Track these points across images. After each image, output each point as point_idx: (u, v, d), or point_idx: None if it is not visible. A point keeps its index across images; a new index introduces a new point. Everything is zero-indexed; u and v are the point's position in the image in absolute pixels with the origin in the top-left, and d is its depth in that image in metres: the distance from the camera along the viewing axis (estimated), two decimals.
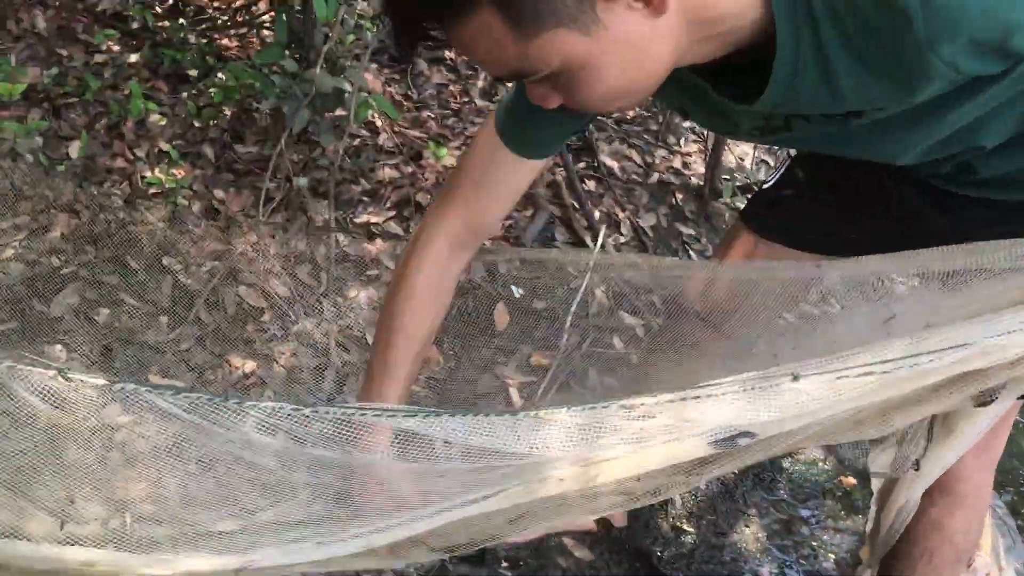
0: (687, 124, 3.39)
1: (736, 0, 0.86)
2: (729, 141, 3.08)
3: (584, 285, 2.60)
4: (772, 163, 3.27)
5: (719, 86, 0.98)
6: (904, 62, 0.84)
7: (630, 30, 0.84)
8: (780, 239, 1.44)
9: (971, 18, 0.79)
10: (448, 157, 2.75)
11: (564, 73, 0.87)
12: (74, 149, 2.50)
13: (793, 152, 1.51)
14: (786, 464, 2.40)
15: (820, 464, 2.42)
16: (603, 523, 2.03)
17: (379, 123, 2.86)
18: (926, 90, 0.88)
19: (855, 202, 1.36)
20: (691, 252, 2.89)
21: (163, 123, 2.56)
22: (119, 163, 2.53)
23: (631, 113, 3.28)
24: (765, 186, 1.51)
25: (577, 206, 2.81)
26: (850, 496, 2.38)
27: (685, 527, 2.13)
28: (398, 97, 3.04)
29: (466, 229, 1.22)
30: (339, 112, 2.48)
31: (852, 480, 2.43)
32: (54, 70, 2.66)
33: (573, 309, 2.53)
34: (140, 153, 2.53)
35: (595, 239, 2.73)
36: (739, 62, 0.93)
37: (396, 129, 2.86)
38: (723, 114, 1.03)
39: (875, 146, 1.07)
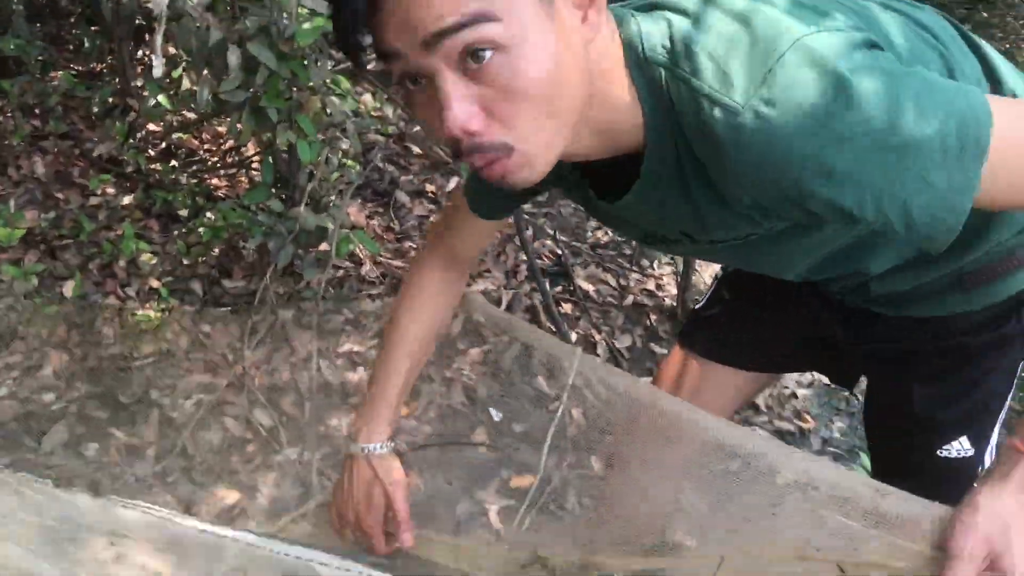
0: None
1: (622, 96, 0.88)
2: (698, 263, 3.20)
3: (561, 408, 2.68)
4: None
5: (596, 184, 1.02)
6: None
7: (573, 31, 0.83)
8: (705, 355, 1.53)
9: (773, 163, 0.80)
10: None
11: (503, 49, 0.78)
12: (68, 289, 2.60)
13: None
14: None
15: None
16: None
17: (362, 254, 2.99)
18: (766, 220, 0.92)
19: (770, 317, 1.43)
20: None
21: (153, 261, 2.68)
22: (111, 300, 2.63)
23: (604, 238, 3.42)
24: (697, 305, 1.60)
25: (554, 329, 2.90)
26: None
27: None
28: (380, 231, 3.18)
29: (451, 259, 1.36)
30: (323, 247, 2.60)
31: None
32: (51, 214, 2.80)
33: (551, 432, 2.60)
34: (131, 291, 2.64)
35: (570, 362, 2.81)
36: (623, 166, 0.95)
37: (378, 260, 2.98)
38: (615, 216, 1.05)
39: (757, 260, 1.12)
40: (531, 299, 3.02)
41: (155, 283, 2.69)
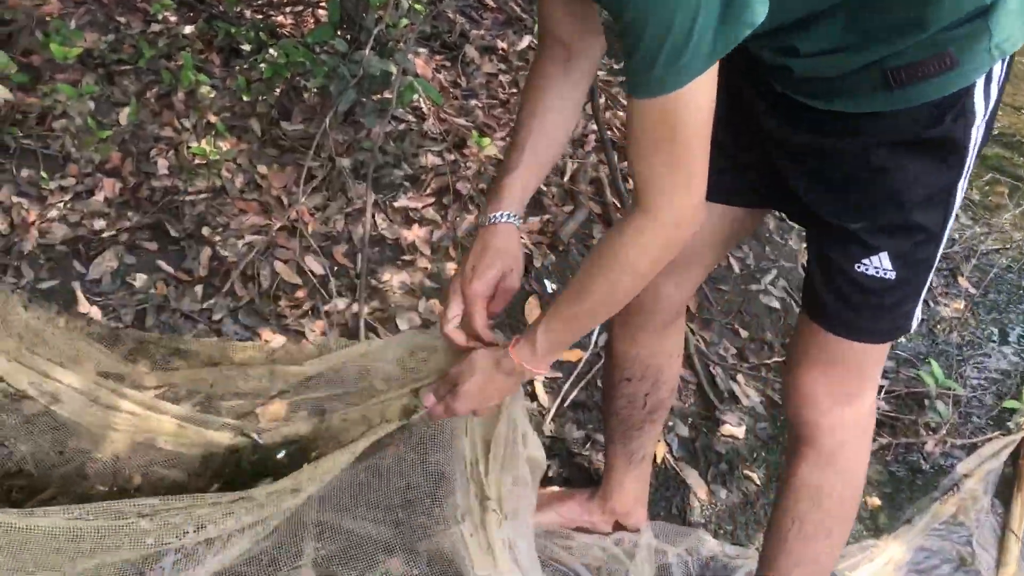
0: None
1: None
2: None
3: None
4: None
5: None
6: None
7: None
8: None
9: None
10: (491, 147, 2.74)
11: None
12: (124, 116, 2.53)
13: None
14: None
15: None
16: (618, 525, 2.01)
17: (426, 109, 2.86)
18: None
19: (731, 142, 1.45)
20: (731, 258, 2.85)
21: (212, 95, 2.59)
22: (167, 132, 2.56)
23: None
24: None
25: (618, 204, 2.78)
26: (875, 518, 2.34)
27: (701, 536, 2.10)
28: (447, 84, 3.04)
29: (560, 48, 1.39)
30: (386, 95, 2.48)
31: (877, 501, 2.38)
32: (111, 36, 2.70)
33: None
34: (188, 123, 2.56)
35: None
36: None
37: (442, 116, 2.86)
38: None
39: None
40: (597, 172, 2.89)
41: (213, 118, 2.60)
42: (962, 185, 1.34)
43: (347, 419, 1.72)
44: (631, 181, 1.23)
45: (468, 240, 2.59)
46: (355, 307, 2.31)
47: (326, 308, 2.32)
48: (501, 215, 1.41)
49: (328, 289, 2.34)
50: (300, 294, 2.33)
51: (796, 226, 2.75)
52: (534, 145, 1.41)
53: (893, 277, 1.37)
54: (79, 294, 2.16)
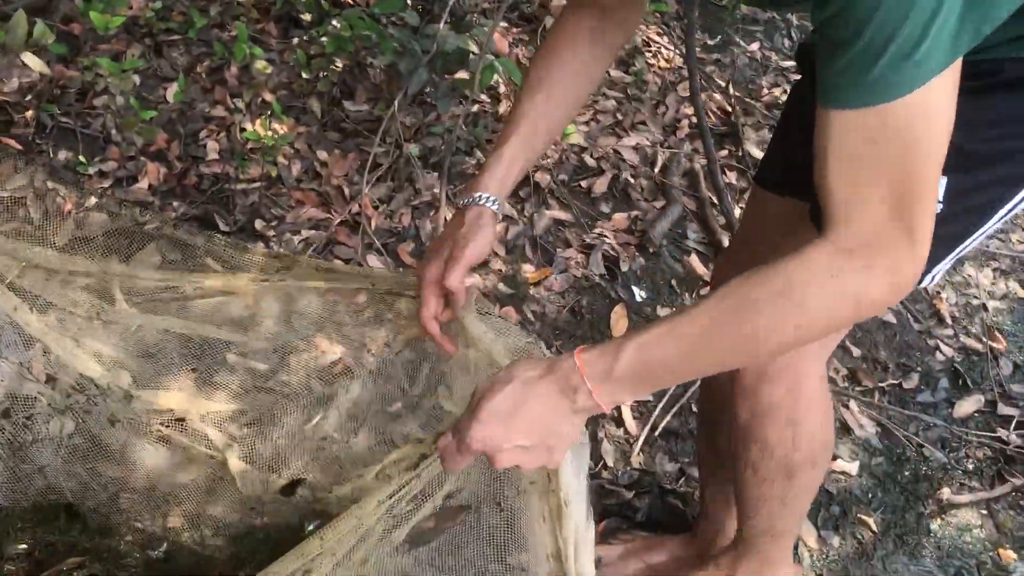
0: None
1: None
2: None
3: None
4: None
5: None
6: None
7: None
8: (764, 185, 1.42)
9: None
10: (575, 135, 2.45)
11: None
12: (171, 92, 2.28)
13: None
14: (935, 526, 2.07)
15: (975, 531, 2.07)
16: None
17: (502, 89, 2.58)
18: None
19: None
20: None
21: (268, 71, 2.33)
22: (218, 111, 2.31)
23: (783, 96, 2.91)
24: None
25: (715, 200, 2.48)
26: (1009, 574, 2.04)
27: None
28: (524, 60, 2.75)
29: (594, 10, 1.21)
30: (461, 75, 2.21)
31: (1012, 554, 2.07)
32: (158, 3, 2.46)
33: None
34: (241, 103, 2.31)
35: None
36: None
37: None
38: None
39: None
40: (692, 162, 2.58)
41: (268, 96, 2.35)
42: None
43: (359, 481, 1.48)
44: (821, 201, 0.90)
45: (546, 237, 2.31)
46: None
47: (390, 315, 2.06)
48: (480, 197, 1.20)
49: (393, 291, 2.08)
50: (361, 299, 2.08)
51: None
52: (534, 121, 1.21)
53: (941, 210, 1.03)
54: (116, 293, 1.93)
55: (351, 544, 1.19)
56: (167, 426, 1.64)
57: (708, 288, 1.89)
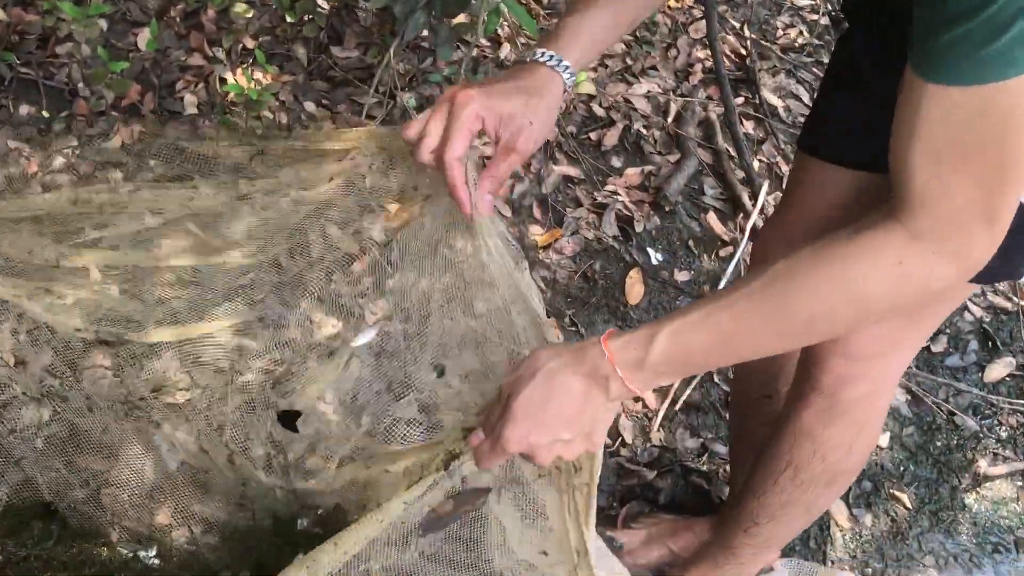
0: None
1: None
2: None
3: (738, 255, 2.15)
4: None
5: None
6: None
7: None
8: (811, 152, 1.26)
9: None
10: (586, 83, 2.27)
11: None
12: (142, 39, 2.08)
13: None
14: (970, 500, 1.96)
15: (1011, 504, 1.97)
16: None
17: (502, 32, 2.39)
18: None
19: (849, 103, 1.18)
20: None
21: (249, 15, 2.13)
22: (195, 60, 2.11)
23: (799, 39, 2.73)
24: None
25: (733, 153, 2.32)
26: None
27: None
28: (533, 3, 2.55)
29: None
30: (461, 19, 2.02)
31: None
32: None
33: (723, 286, 2.09)
34: (220, 52, 2.11)
35: (753, 196, 2.25)
36: None
37: (523, 40, 2.39)
38: None
39: None
40: (707, 111, 2.41)
41: (250, 42, 2.15)
42: None
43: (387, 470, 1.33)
44: (896, 180, 0.81)
45: (555, 196, 2.15)
46: (423, 284, 1.90)
47: (391, 283, 1.90)
48: (546, 55, 1.00)
49: (393, 259, 1.92)
50: (358, 267, 1.92)
51: None
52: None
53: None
54: (91, 268, 1.76)
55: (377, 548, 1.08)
56: (157, 392, 1.50)
57: (749, 263, 1.73)
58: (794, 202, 1.32)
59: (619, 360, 0.89)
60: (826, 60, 2.77)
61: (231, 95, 1.98)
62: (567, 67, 1.01)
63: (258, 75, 2.09)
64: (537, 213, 2.11)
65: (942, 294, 0.88)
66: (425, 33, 2.03)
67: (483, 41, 2.36)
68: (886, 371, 1.21)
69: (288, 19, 2.16)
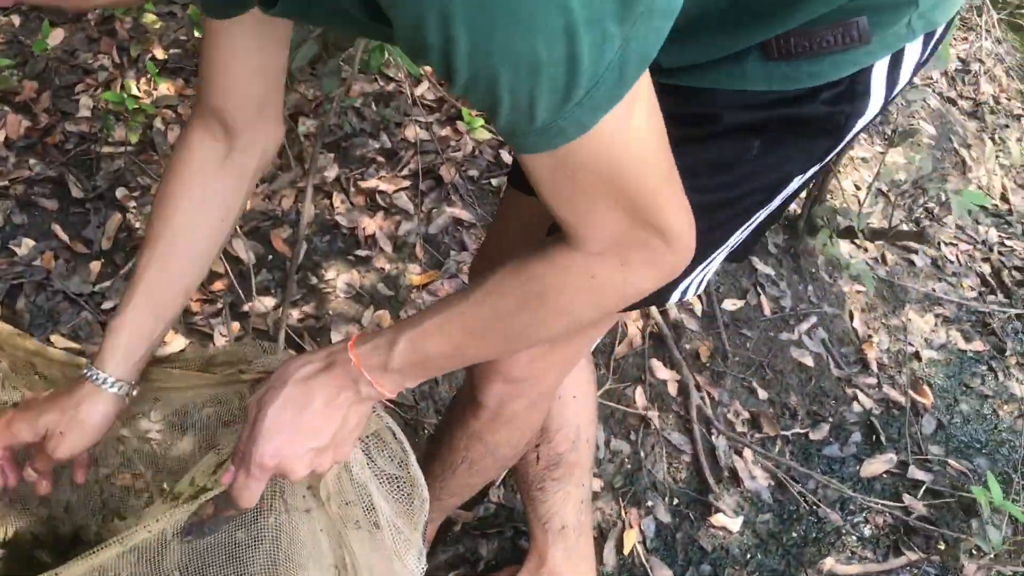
0: None
1: None
2: (840, 167, 2.50)
3: (617, 316, 2.11)
4: (892, 198, 2.67)
5: None
6: None
7: None
8: (517, 186, 1.30)
9: None
10: (482, 131, 2.26)
11: None
12: (53, 39, 2.10)
13: None
14: None
15: None
16: None
17: (425, 70, 2.39)
18: None
19: None
20: (762, 296, 2.35)
21: (157, 25, 2.15)
22: (100, 63, 2.13)
23: None
24: None
25: None
26: None
27: None
28: None
29: (214, 120, 1.01)
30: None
31: None
32: None
33: (595, 344, 2.05)
34: (126, 58, 2.13)
35: None
36: None
37: (442, 81, 2.38)
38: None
39: None
40: None
41: (160, 53, 2.16)
42: (799, 179, 1.02)
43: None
44: (558, 222, 0.81)
45: (441, 237, 2.13)
46: (280, 311, 1.88)
47: (246, 307, 1.89)
48: (99, 375, 1.02)
49: (252, 284, 1.91)
50: (218, 286, 1.91)
51: (849, 265, 2.24)
52: (156, 277, 1.04)
53: None
54: None
55: None
56: None
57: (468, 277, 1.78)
58: (501, 229, 1.39)
59: (365, 364, 0.89)
60: None
61: (111, 103, 1.98)
62: (107, 380, 1.02)
63: (164, 86, 2.10)
64: (419, 252, 2.09)
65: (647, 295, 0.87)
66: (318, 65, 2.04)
67: (402, 75, 2.37)
68: (541, 388, 1.29)
69: (197, 33, 2.18)
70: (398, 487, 1.10)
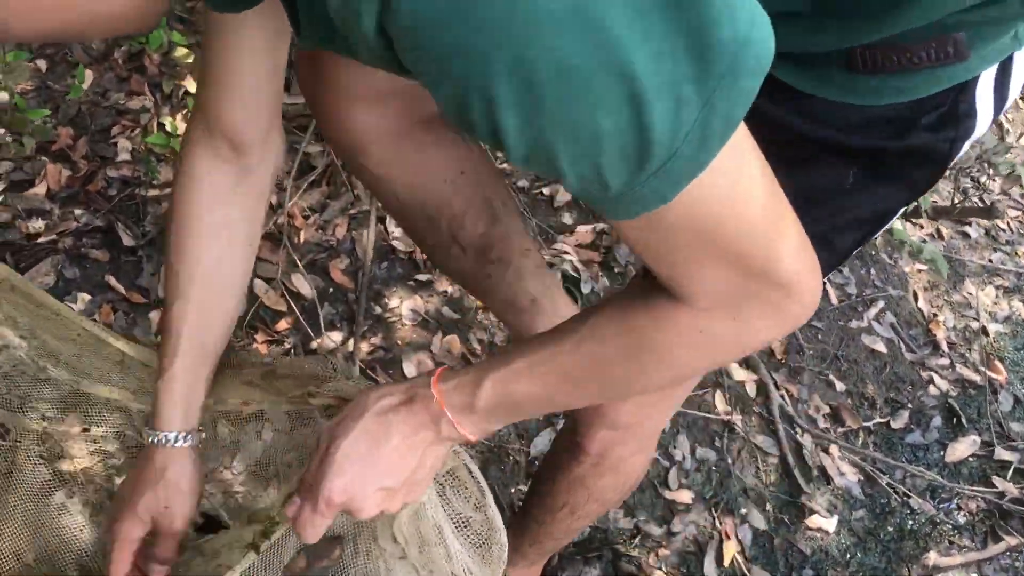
0: None
1: None
2: None
3: None
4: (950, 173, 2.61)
5: None
6: None
7: None
8: None
9: None
10: None
11: None
12: (79, 80, 2.03)
13: None
14: None
15: None
16: None
17: None
18: None
19: None
20: (827, 284, 2.29)
21: (190, 59, 2.07)
22: (135, 104, 2.06)
23: None
24: None
25: None
26: None
27: None
28: None
29: (223, 142, 0.94)
30: None
31: None
32: None
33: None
34: (159, 95, 2.06)
35: None
36: None
37: None
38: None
39: None
40: None
41: (192, 86, 2.09)
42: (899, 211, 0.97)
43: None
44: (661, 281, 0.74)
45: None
46: (351, 345, 1.83)
47: (315, 344, 1.83)
48: (165, 437, 1.00)
49: (320, 319, 1.85)
50: (283, 325, 1.85)
51: (921, 250, 2.19)
52: (198, 320, 0.99)
53: None
54: None
55: None
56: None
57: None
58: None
59: (448, 403, 0.83)
60: None
61: (171, 142, 1.91)
62: (176, 437, 1.00)
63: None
64: None
65: (770, 343, 0.83)
66: None
67: None
68: (646, 433, 1.25)
69: None
70: (475, 531, 1.05)
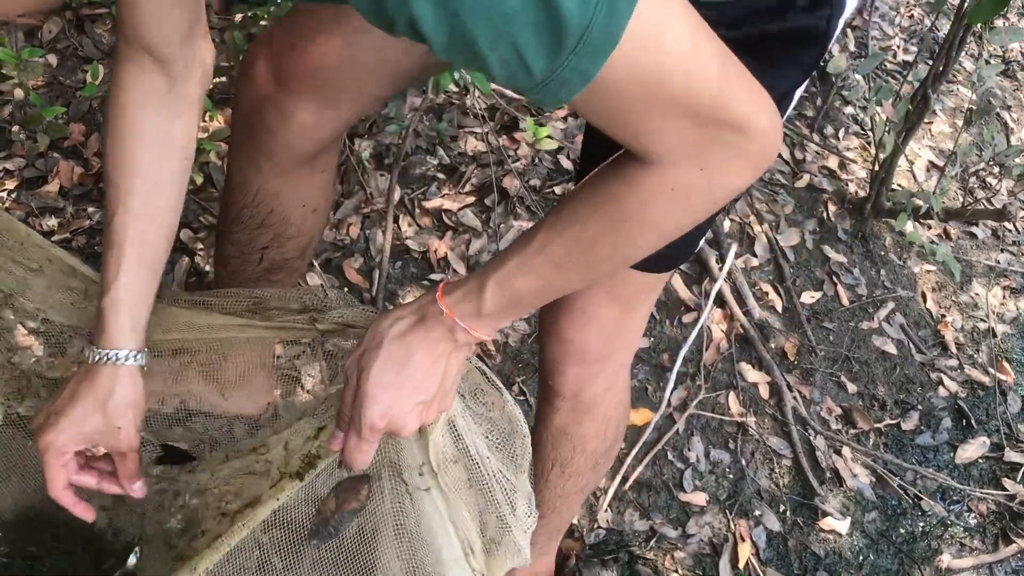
0: (849, 111, 2.75)
1: None
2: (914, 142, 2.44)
3: (701, 321, 2.06)
4: (953, 173, 2.62)
5: None
6: None
7: None
8: None
9: None
10: (548, 141, 2.19)
11: None
12: (92, 76, 2.01)
13: None
14: None
15: None
16: None
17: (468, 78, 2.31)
18: None
19: None
20: (838, 285, 2.30)
21: None
22: None
23: None
24: None
25: None
26: None
27: None
28: None
29: (145, 56, 0.93)
30: None
31: None
32: None
33: (683, 353, 2.00)
34: None
35: (721, 260, 2.17)
36: None
37: (492, 88, 2.31)
38: None
39: None
40: None
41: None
42: (799, 92, 1.05)
43: (227, 485, 1.23)
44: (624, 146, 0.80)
45: None
46: None
47: (330, 344, 1.82)
48: (115, 355, 0.96)
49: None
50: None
51: (934, 252, 2.18)
52: (140, 231, 0.97)
53: None
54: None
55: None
56: None
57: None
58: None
59: (458, 314, 0.89)
60: (808, 112, 2.69)
61: None
62: (127, 356, 0.96)
63: (206, 120, 2.02)
64: None
65: (743, 189, 0.84)
66: None
67: (452, 88, 2.29)
68: (615, 365, 1.28)
69: (227, 63, 2.09)
70: (498, 431, 1.08)
